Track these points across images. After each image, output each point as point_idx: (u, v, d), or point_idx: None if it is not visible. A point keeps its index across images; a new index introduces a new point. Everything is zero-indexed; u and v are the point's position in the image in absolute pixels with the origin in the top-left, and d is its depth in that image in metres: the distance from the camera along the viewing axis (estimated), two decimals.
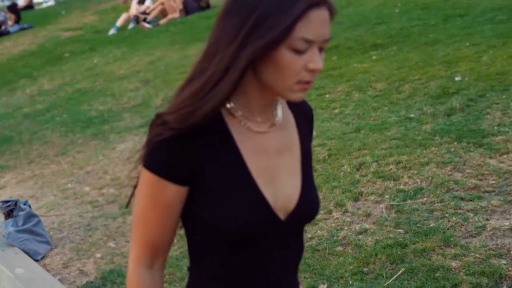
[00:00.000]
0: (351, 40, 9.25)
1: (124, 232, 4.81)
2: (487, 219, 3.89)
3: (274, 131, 1.43)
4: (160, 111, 1.36)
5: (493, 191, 4.23)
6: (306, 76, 1.31)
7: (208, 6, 14.59)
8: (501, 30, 7.93)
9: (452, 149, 4.91)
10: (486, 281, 3.30)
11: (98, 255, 4.51)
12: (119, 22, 14.47)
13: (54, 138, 7.75)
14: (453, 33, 8.38)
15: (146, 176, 1.35)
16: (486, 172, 4.47)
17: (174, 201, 1.36)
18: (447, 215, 4.00)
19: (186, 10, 14.38)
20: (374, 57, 8.14)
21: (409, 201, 4.28)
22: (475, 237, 3.75)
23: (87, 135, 7.58)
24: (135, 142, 6.82)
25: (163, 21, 14.24)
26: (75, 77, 10.93)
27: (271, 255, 1.43)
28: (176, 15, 14.31)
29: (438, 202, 4.19)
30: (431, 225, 3.92)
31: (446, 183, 4.40)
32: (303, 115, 1.54)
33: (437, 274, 3.43)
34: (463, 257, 3.55)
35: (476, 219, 3.90)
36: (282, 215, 1.40)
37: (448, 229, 3.86)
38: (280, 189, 1.41)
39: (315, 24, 1.27)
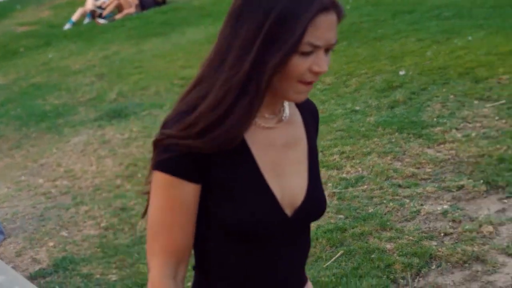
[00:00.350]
0: None
1: (76, 221, 4.94)
2: (421, 205, 4.13)
3: (281, 127, 1.43)
4: (168, 132, 1.31)
5: (429, 178, 4.47)
6: (309, 77, 1.32)
7: (164, 2, 14.67)
8: (446, 26, 8.23)
9: (393, 140, 5.15)
10: (417, 261, 3.53)
11: (51, 244, 4.63)
12: (74, 17, 14.46)
13: (8, 132, 7.79)
14: (400, 28, 8.65)
15: (162, 179, 1.33)
16: (423, 161, 4.71)
17: (191, 200, 1.35)
18: (385, 201, 4.23)
19: (142, 5, 14.45)
20: None
21: (350, 189, 4.50)
22: (409, 221, 3.98)
23: (41, 129, 7.64)
24: (89, 136, 6.92)
25: (118, 16, 14.29)
26: (30, 71, 10.93)
27: (279, 253, 1.43)
28: (132, 10, 14.36)
29: (377, 189, 4.42)
30: (370, 211, 4.15)
31: (386, 171, 4.63)
32: (310, 113, 1.55)
33: (372, 256, 3.65)
34: (398, 239, 3.78)
35: (412, 205, 4.14)
36: (289, 212, 1.40)
37: (385, 214, 4.09)
38: (287, 185, 1.41)
39: (322, 29, 1.28)
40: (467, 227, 3.79)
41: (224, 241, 1.39)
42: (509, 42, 6.98)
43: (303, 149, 1.47)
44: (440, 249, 3.61)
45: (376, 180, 4.53)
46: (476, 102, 5.67)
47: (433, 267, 3.50)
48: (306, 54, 1.29)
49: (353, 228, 3.97)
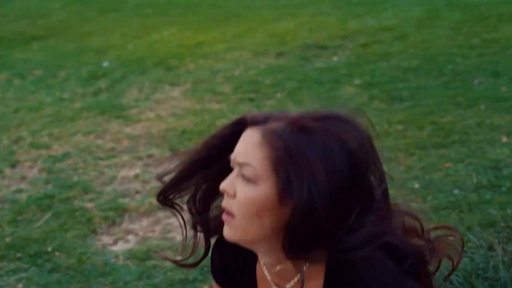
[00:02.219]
0: (15, 32, 9.74)
1: None
2: (118, 171, 4.88)
3: None
4: None
5: (126, 151, 5.24)
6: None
7: None
8: (146, 23, 9.12)
9: (96, 121, 5.85)
10: (113, 214, 4.25)
11: None
12: None
13: None
14: (106, 25, 9.37)
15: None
16: (121, 137, 5.48)
17: None
18: (87, 171, 4.91)
19: None
20: (35, 48, 8.77)
21: (58, 164, 5.09)
22: (108, 185, 4.70)
23: None
24: None
25: None
26: None
27: None
28: None
29: (81, 162, 5.08)
30: (75, 180, 4.79)
31: (89, 147, 5.31)
32: None
33: (76, 214, 4.30)
34: (98, 199, 4.47)
35: (110, 172, 4.87)
36: None
37: (87, 181, 4.76)
38: None
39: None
40: (153, 185, 4.62)
41: None
42: (196, 36, 8.06)
43: None
44: (132, 204, 4.38)
45: (80, 155, 5.19)
46: (167, 87, 6.59)
47: (126, 217, 4.26)
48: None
49: (60, 195, 4.58)
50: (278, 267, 1.24)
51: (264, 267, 1.30)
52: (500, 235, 3.46)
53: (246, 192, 1.15)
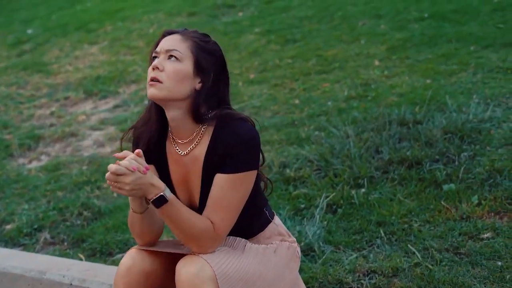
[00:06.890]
0: None
1: None
2: (36, 111, 5.21)
3: (190, 152, 1.79)
4: None
5: (45, 96, 5.58)
6: (150, 75, 1.72)
7: None
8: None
9: (19, 76, 6.18)
10: (29, 141, 4.59)
11: None
12: None
13: None
14: (34, 1, 9.62)
15: None
16: (42, 86, 5.82)
17: None
18: (8, 112, 5.24)
19: None
20: None
21: None
22: (26, 121, 5.04)
23: None
24: None
25: None
26: None
27: None
28: None
29: (3, 106, 5.41)
30: None
31: (11, 95, 5.66)
32: (222, 146, 1.73)
33: None
34: (16, 132, 4.80)
35: (28, 112, 5.20)
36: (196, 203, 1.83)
37: (7, 120, 5.08)
38: (189, 190, 1.84)
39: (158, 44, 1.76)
40: (67, 118, 4.98)
41: None
42: (118, 4, 8.40)
43: (200, 168, 1.80)
44: (46, 133, 4.72)
45: (2, 101, 5.55)
46: (86, 46, 6.92)
47: (41, 144, 4.60)
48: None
49: None
50: (181, 125, 1.77)
51: (170, 130, 1.81)
52: (359, 129, 3.91)
53: (175, 66, 1.70)
